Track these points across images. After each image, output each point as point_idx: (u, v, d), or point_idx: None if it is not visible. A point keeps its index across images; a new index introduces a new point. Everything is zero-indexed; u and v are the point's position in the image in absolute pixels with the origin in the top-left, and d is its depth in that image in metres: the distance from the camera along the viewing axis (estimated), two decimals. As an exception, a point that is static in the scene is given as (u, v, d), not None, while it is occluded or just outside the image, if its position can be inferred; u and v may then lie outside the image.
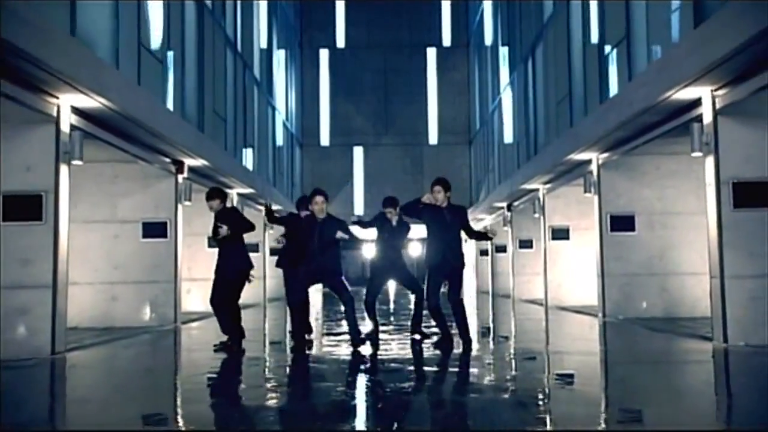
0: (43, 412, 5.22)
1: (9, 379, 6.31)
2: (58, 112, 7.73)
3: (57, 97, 7.65)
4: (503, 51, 22.01)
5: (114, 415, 4.90)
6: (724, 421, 4.52)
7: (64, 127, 7.83)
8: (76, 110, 8.05)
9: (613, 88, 11.03)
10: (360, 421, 4.64)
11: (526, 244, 19.32)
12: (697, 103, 8.13)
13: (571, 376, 6.39)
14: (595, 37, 11.94)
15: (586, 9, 12.39)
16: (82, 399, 5.66)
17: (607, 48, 11.37)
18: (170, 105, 11.71)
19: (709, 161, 8.00)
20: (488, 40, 25.16)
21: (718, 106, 7.84)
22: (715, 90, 7.79)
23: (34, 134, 7.64)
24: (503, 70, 22.01)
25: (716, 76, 7.36)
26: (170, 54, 11.94)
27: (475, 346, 8.07)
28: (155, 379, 6.72)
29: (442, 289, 7.93)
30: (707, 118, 7.98)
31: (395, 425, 4.45)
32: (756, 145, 7.80)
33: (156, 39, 11.28)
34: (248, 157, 18.20)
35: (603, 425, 4.36)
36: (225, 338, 8.34)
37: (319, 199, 7.92)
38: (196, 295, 15.78)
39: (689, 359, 7.30)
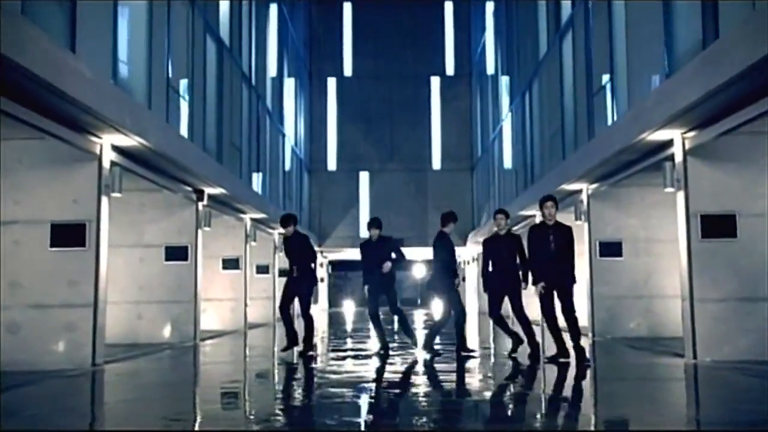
0: (110, 411, 6.17)
1: (67, 388, 7.25)
2: (101, 150, 8.74)
3: (100, 138, 8.67)
4: (504, 80, 22.78)
5: (166, 412, 5.86)
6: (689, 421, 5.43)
7: (106, 164, 8.84)
8: (116, 148, 9.06)
9: (600, 127, 12.01)
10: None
11: (526, 267, 20.09)
12: (669, 144, 9.09)
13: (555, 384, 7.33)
14: (582, 80, 12.95)
15: (578, 52, 13.40)
16: (136, 399, 6.60)
17: (595, 88, 12.37)
18: (193, 138, 12.73)
19: (680, 196, 8.94)
20: (490, 69, 25.95)
21: (687, 147, 8.81)
22: (685, 133, 8.75)
23: (81, 171, 8.64)
24: (504, 98, 22.81)
25: (684, 121, 8.32)
26: (194, 91, 12.99)
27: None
28: (196, 384, 7.68)
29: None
30: (678, 157, 8.93)
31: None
32: (720, 182, 8.76)
33: (182, 79, 12.33)
34: (260, 183, 19.18)
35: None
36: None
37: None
38: (212, 314, 16.71)
39: (661, 373, 8.22)
